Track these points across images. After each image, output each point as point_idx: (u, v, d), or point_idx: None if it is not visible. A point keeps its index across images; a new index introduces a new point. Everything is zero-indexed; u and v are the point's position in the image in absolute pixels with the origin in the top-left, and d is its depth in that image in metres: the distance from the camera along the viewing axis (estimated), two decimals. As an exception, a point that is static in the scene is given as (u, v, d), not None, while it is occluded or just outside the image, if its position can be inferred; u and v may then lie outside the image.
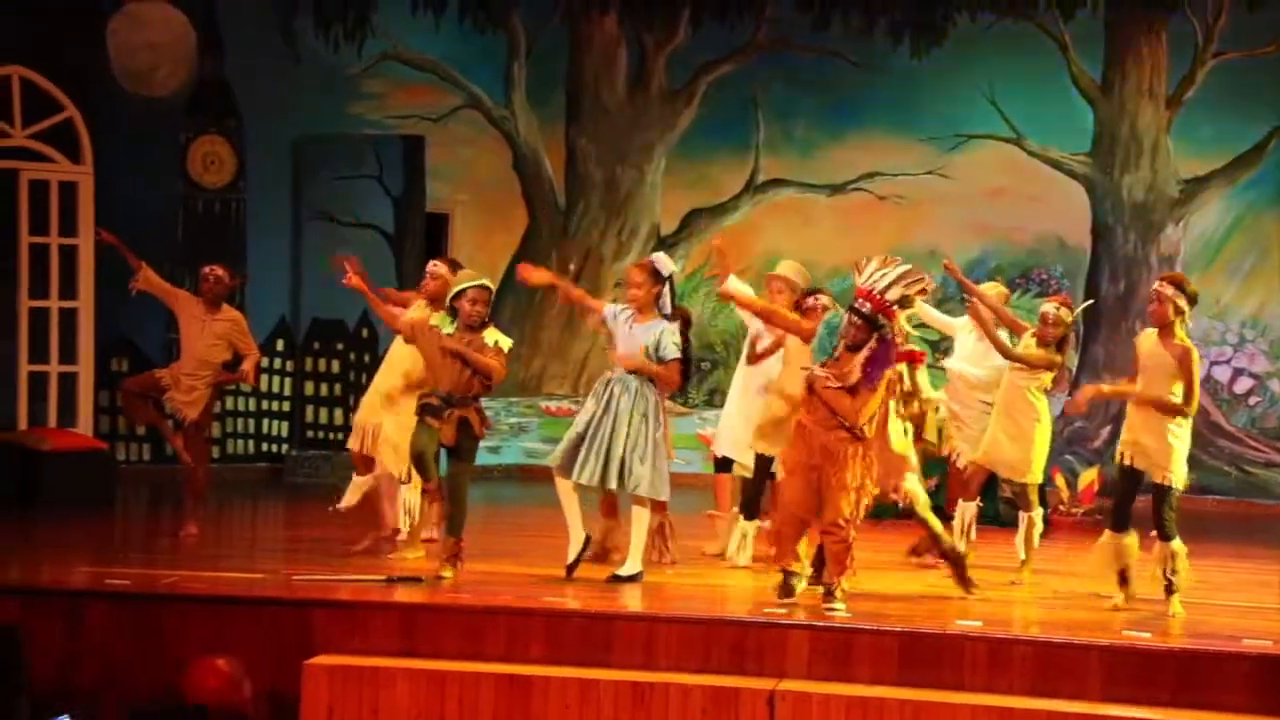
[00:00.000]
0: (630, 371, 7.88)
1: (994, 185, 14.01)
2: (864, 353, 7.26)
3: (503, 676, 6.77)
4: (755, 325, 8.98)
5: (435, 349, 7.89)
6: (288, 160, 13.93)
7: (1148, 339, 7.58)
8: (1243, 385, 13.43)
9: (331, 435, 13.76)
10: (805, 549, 7.52)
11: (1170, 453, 7.36)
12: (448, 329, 7.87)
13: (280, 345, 13.88)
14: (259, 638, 7.03)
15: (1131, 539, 7.55)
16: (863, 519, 7.47)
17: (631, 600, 7.50)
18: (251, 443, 13.85)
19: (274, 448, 13.88)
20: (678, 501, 8.61)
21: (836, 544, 7.26)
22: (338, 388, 13.80)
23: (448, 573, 7.84)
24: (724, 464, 9.14)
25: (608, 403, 7.84)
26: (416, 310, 8.55)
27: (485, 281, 8.03)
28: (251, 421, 13.86)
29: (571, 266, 14.62)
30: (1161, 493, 7.41)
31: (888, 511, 8.83)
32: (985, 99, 13.89)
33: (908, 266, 7.40)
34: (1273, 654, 6.56)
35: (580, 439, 7.87)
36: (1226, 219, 13.74)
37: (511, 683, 6.74)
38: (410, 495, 8.40)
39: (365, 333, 13.71)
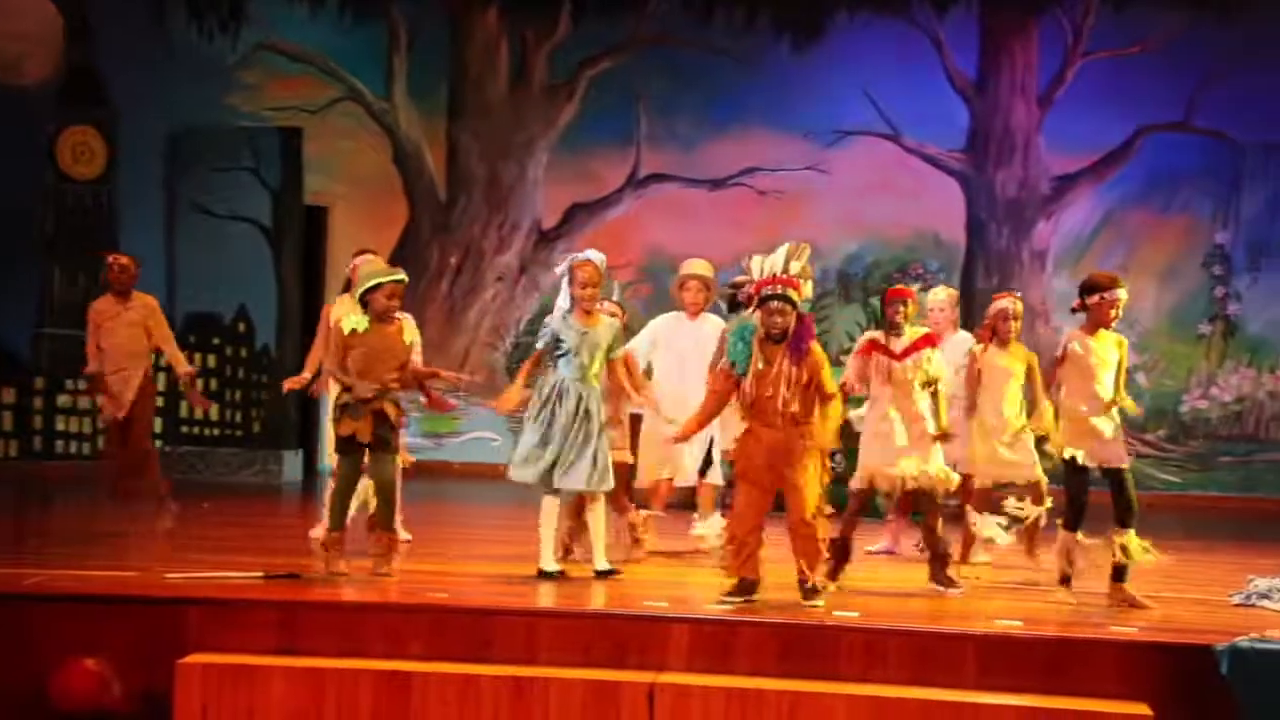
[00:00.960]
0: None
1: (872, 181, 14.19)
2: (790, 334, 7.21)
3: (382, 673, 6.70)
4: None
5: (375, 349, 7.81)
6: (162, 152, 13.72)
7: (1101, 340, 7.66)
8: (1112, 378, 13.71)
9: (207, 431, 13.57)
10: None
11: (1120, 440, 7.57)
12: (360, 324, 7.76)
13: (154, 340, 13.63)
14: (130, 637, 6.89)
15: (1082, 536, 7.67)
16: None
17: (547, 597, 7.43)
18: (125, 439, 13.59)
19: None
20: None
21: (806, 541, 7.26)
22: (214, 383, 13.60)
23: (386, 568, 7.76)
24: (703, 469, 9.08)
25: (575, 406, 7.78)
26: (341, 306, 8.43)
27: (402, 275, 7.94)
28: (124, 418, 13.60)
29: (453, 260, 14.55)
30: (1119, 478, 7.56)
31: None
32: (863, 95, 14.06)
33: (784, 246, 7.37)
34: (1139, 641, 6.71)
35: (550, 447, 7.75)
36: (1096, 215, 14.06)
37: (391, 680, 6.67)
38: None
39: (242, 327, 13.53)
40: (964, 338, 9.17)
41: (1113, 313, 7.57)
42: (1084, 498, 7.63)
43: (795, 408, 7.19)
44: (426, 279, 14.59)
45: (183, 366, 9.62)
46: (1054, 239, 14.10)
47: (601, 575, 7.81)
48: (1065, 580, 7.67)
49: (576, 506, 8.23)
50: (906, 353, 7.90)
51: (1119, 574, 7.52)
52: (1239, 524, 11.14)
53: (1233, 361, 13.86)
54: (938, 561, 7.86)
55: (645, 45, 14.47)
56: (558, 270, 8.00)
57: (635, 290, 14.39)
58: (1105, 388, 7.54)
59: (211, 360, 13.65)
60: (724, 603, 7.14)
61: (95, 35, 13.24)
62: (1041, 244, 14.11)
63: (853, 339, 13.04)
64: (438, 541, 9.28)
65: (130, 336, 9.45)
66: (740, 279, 8.11)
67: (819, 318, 14.22)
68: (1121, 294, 7.59)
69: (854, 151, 14.22)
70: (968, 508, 8.70)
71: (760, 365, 7.21)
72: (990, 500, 8.66)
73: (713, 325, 9.15)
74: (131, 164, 13.50)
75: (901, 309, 7.98)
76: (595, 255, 7.92)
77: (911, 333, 7.95)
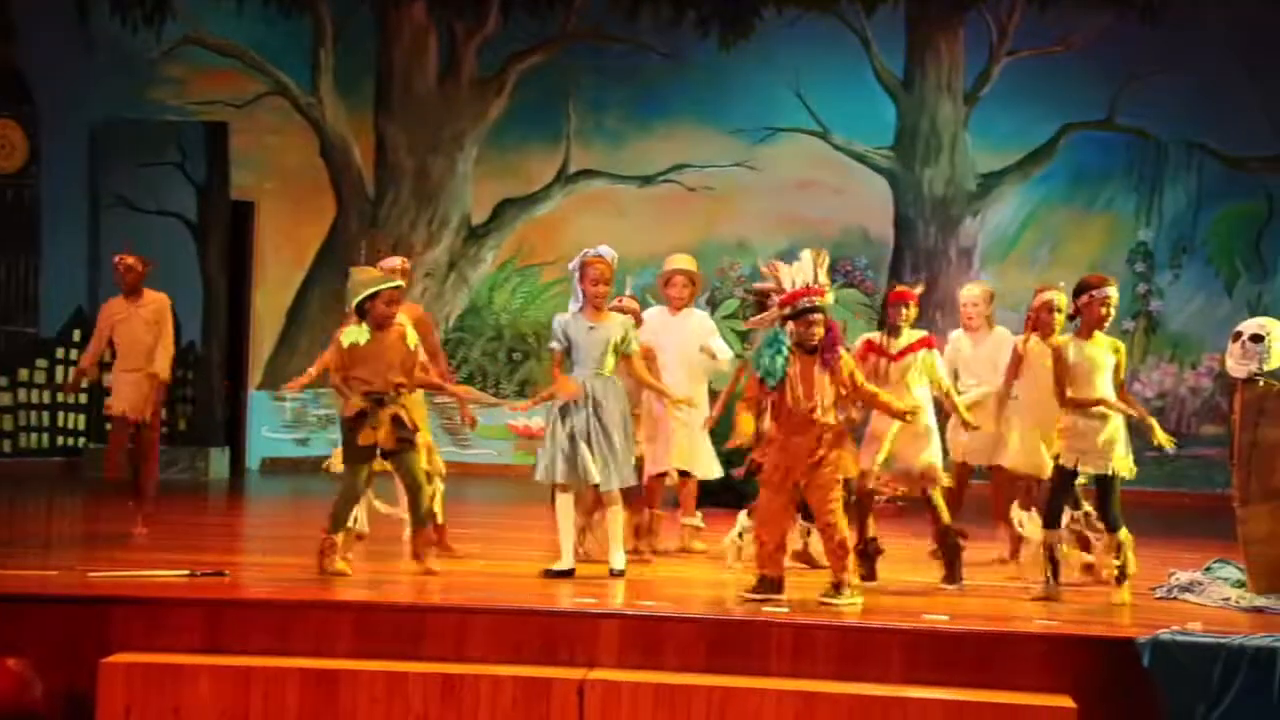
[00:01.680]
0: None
1: (801, 178, 14.26)
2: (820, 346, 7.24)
3: (309, 671, 6.66)
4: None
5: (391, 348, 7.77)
6: (84, 146, 13.56)
7: (1095, 343, 7.69)
8: (1037, 374, 13.85)
9: (132, 428, 13.41)
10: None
11: (1114, 446, 7.58)
12: (360, 336, 7.71)
13: (77, 336, 13.48)
14: (52, 637, 6.81)
15: (1063, 535, 7.72)
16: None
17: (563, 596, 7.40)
18: (47, 436, 13.45)
19: (70, 441, 13.49)
20: (484, 492, 8.59)
21: (834, 542, 7.28)
22: (138, 379, 13.44)
23: (435, 565, 7.76)
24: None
25: (591, 403, 7.76)
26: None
27: (399, 281, 7.95)
28: (47, 415, 13.46)
29: (381, 256, 14.46)
30: (1106, 484, 7.61)
31: None
32: (792, 92, 14.12)
33: (807, 253, 7.40)
34: (1063, 634, 6.79)
35: (570, 445, 7.75)
36: (1021, 213, 14.22)
37: (319, 678, 6.63)
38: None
39: (167, 324, 13.38)
40: (1001, 333, 9.06)
41: (1104, 310, 7.57)
42: (1063, 499, 7.66)
43: (831, 417, 7.23)
44: (354, 275, 14.47)
45: (163, 374, 9.53)
46: (980, 236, 14.23)
47: (616, 575, 7.81)
48: (1050, 579, 7.71)
49: (591, 504, 8.25)
50: (902, 354, 7.93)
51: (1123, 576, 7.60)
52: (1162, 519, 11.25)
53: (1155, 357, 14.05)
54: (949, 556, 7.91)
55: (575, 41, 14.46)
56: (570, 267, 7.95)
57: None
58: (1100, 391, 7.55)
59: (136, 356, 13.49)
60: (748, 600, 7.19)
61: (16, 27, 13.05)
62: (968, 241, 14.24)
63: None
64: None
65: (146, 334, 9.42)
66: (766, 286, 8.03)
67: (749, 314, 14.27)
68: (1111, 291, 7.60)
69: (783, 148, 14.29)
70: (1014, 506, 8.66)
71: (792, 375, 7.22)
72: (1018, 491, 8.64)
73: (698, 320, 9.19)
74: (54, 158, 13.33)
75: (904, 311, 8.00)
76: (606, 251, 7.88)
77: (909, 335, 7.98)
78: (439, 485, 8.50)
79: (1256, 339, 7.79)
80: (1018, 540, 8.61)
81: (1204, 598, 7.74)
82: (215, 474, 13.33)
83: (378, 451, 7.72)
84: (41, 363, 13.55)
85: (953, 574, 7.94)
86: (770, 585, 7.27)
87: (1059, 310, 8.31)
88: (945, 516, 7.94)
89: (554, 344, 7.94)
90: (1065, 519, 7.86)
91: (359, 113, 14.54)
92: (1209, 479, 12.82)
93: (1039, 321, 8.45)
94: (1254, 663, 6.47)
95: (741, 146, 14.29)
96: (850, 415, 7.62)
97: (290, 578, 7.62)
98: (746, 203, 14.29)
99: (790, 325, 7.22)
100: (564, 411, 7.79)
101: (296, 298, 14.36)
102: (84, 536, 9.68)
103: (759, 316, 7.90)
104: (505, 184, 14.58)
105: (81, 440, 13.48)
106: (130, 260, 9.53)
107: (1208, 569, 8.31)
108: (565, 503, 7.89)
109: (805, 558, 8.34)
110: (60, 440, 13.50)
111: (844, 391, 7.30)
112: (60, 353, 13.50)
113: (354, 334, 7.72)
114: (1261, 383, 7.79)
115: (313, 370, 8.48)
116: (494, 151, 14.59)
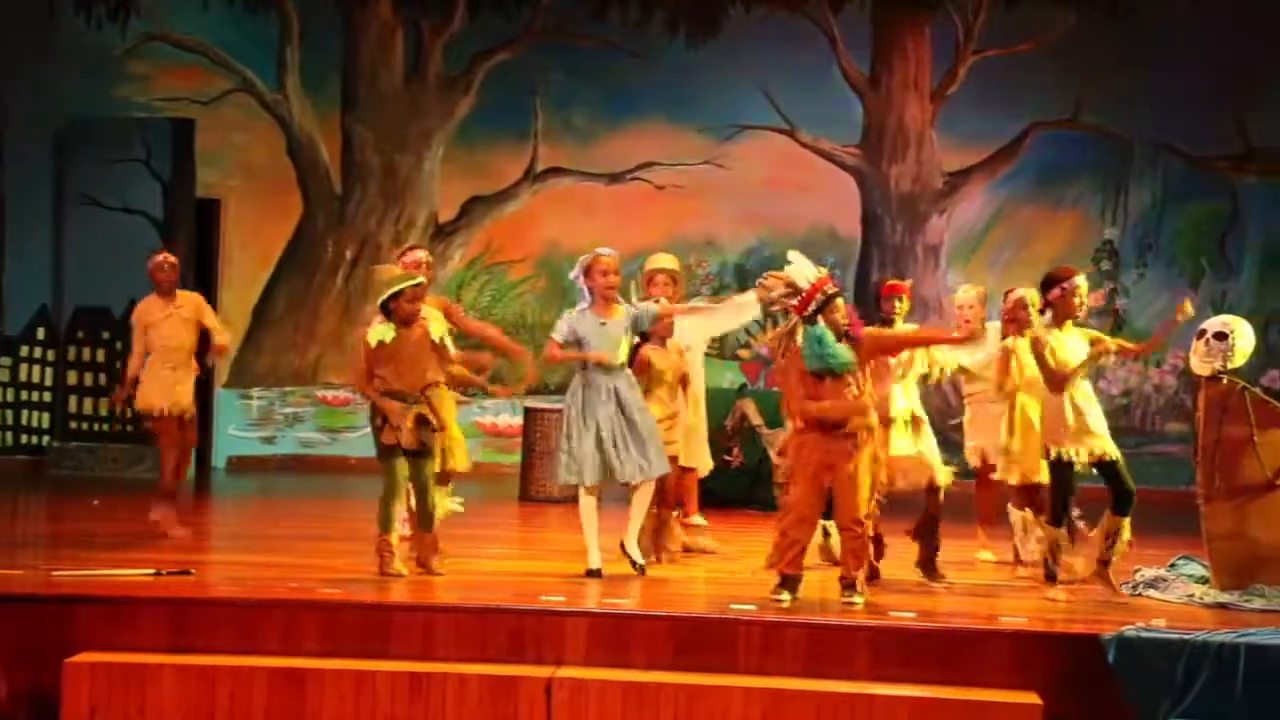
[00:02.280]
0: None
1: (768, 175, 14.26)
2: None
3: (276, 670, 6.65)
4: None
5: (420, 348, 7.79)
6: (49, 143, 13.47)
7: (1069, 333, 7.73)
8: (1004, 372, 13.90)
9: (96, 426, 13.36)
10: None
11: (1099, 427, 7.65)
12: (386, 334, 7.71)
13: (41, 334, 13.41)
14: (16, 636, 6.78)
15: (1063, 532, 7.76)
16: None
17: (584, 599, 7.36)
18: (10, 434, 13.37)
19: (35, 439, 13.41)
20: (453, 490, 8.59)
21: (855, 540, 7.31)
22: (102, 377, 13.38)
23: (440, 566, 7.79)
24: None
25: (609, 398, 7.82)
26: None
27: (422, 278, 7.96)
28: (10, 413, 13.37)
29: (348, 254, 14.43)
30: (1109, 468, 7.65)
31: None
32: (759, 90, 14.13)
33: (795, 253, 7.50)
34: (1028, 631, 6.82)
35: (597, 444, 7.80)
36: (988, 211, 14.26)
37: (285, 677, 6.62)
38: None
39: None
40: (996, 329, 9.03)
41: (1076, 301, 7.67)
42: (1065, 493, 7.71)
43: (868, 398, 7.30)
44: (322, 272, 14.45)
45: (221, 336, 9.56)
46: (947, 234, 14.27)
47: (627, 558, 7.89)
48: (1051, 577, 7.73)
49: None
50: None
51: (1106, 561, 7.66)
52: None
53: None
54: (929, 553, 7.93)
55: (542, 38, 14.43)
56: (572, 275, 8.04)
57: (532, 285, 14.37)
58: (1079, 380, 7.63)
59: (101, 355, 13.43)
60: (776, 599, 7.21)
61: (-21, 23, 12.98)
62: (935, 238, 14.28)
63: (750, 333, 13.18)
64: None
65: (184, 333, 9.39)
66: (783, 294, 8.06)
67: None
68: (1080, 281, 7.70)
69: (750, 146, 14.29)
70: (1009, 506, 8.75)
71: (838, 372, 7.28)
72: (1012, 492, 8.69)
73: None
74: (18, 155, 13.25)
75: (897, 304, 8.03)
76: (606, 250, 8.00)
77: (904, 328, 8.01)
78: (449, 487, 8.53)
79: (1220, 337, 7.86)
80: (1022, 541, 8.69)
81: (1168, 594, 7.79)
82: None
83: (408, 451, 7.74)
84: (5, 360, 13.47)
85: (932, 570, 7.98)
86: (791, 584, 7.32)
87: (1034, 306, 8.29)
88: (937, 510, 8.01)
89: (556, 335, 7.96)
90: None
91: (326, 110, 14.48)
92: (1172, 476, 12.86)
93: (1017, 319, 8.48)
94: (1218, 659, 6.52)
95: (709, 144, 14.29)
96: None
97: (256, 577, 7.60)
98: (714, 200, 14.30)
99: (820, 319, 7.30)
100: (586, 412, 7.82)
101: (263, 296, 14.30)
102: (48, 535, 9.63)
103: (774, 331, 7.94)
104: (473, 182, 14.54)
105: (45, 439, 13.40)
106: (173, 259, 9.54)
107: (1172, 565, 8.37)
108: (589, 504, 7.92)
109: (829, 554, 8.36)
110: (24, 439, 13.42)
111: (874, 364, 7.39)
112: (24, 351, 13.42)
113: (380, 332, 7.75)
114: (1225, 380, 7.86)
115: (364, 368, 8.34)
116: (461, 149, 14.55)
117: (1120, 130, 13.95)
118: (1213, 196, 14.03)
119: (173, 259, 9.56)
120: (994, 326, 9.11)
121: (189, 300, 9.54)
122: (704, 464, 9.07)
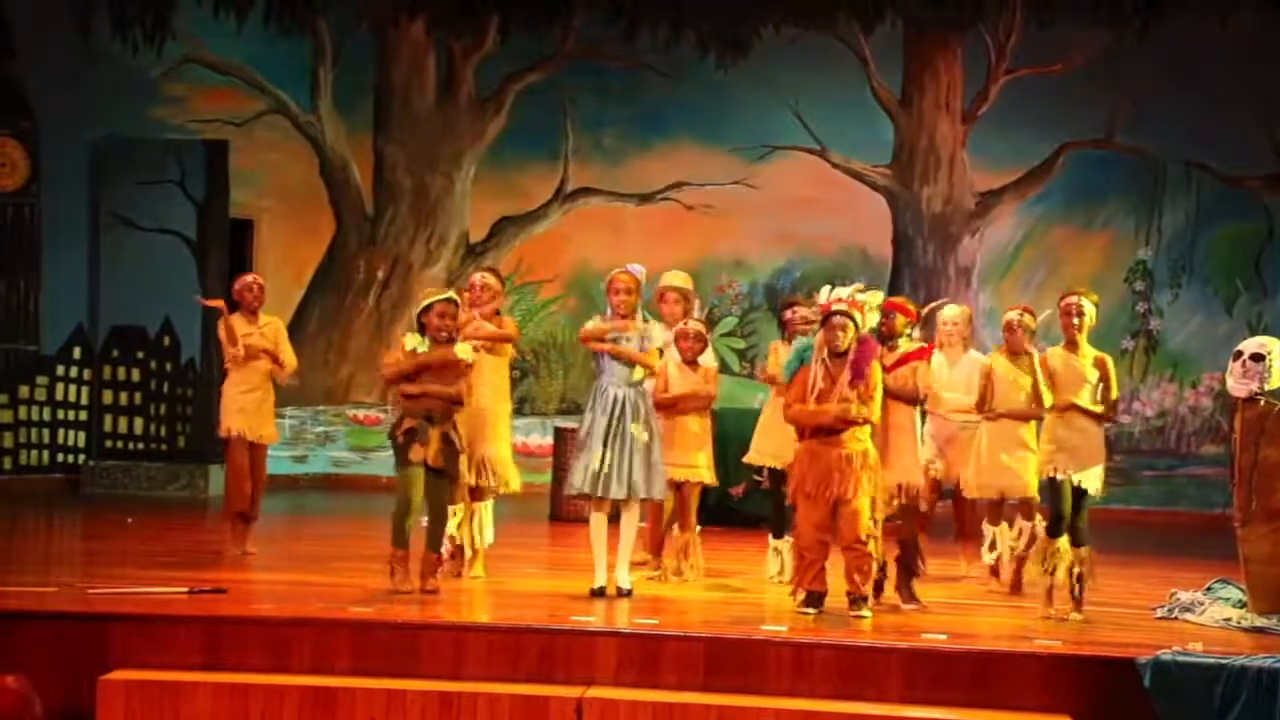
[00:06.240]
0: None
1: (799, 196, 14.26)
2: (851, 354, 7.41)
3: (308, 688, 6.66)
4: None
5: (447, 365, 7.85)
6: (85, 164, 13.57)
7: (1056, 355, 7.84)
8: (1036, 393, 13.83)
9: (131, 445, 13.42)
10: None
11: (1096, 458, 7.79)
12: (421, 344, 7.79)
13: (77, 353, 13.49)
14: (51, 654, 6.81)
15: (1064, 544, 7.75)
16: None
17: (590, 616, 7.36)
18: (46, 453, 13.44)
19: (70, 458, 13.48)
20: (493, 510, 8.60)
21: (860, 558, 7.38)
22: (138, 396, 13.46)
23: (433, 584, 7.81)
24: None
25: (615, 410, 7.84)
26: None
27: (452, 295, 8.03)
28: (46, 431, 13.45)
29: (380, 274, 14.49)
30: (1079, 496, 7.67)
31: None
32: (790, 111, 14.14)
33: (856, 284, 7.69)
34: (1062, 654, 6.79)
35: (596, 455, 7.80)
36: (1019, 232, 14.21)
37: (316, 695, 6.63)
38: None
39: (167, 340, 13.39)
40: (975, 357, 9.14)
41: (1068, 319, 7.80)
42: (1062, 509, 7.75)
43: (854, 411, 7.35)
44: (353, 292, 14.52)
45: (288, 367, 9.60)
46: (979, 254, 14.24)
47: (624, 594, 7.83)
48: (1049, 593, 7.75)
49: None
50: (896, 365, 7.96)
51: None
52: (1161, 538, 11.26)
53: (1155, 376, 14.03)
54: (905, 574, 7.92)
55: (572, 59, 14.48)
56: (603, 287, 8.11)
57: (562, 304, 14.40)
58: (1081, 402, 7.74)
59: (136, 374, 13.49)
60: (801, 615, 7.31)
61: (17, 46, 13.06)
62: (967, 259, 14.24)
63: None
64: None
65: (263, 358, 9.45)
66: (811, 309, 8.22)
67: (747, 332, 14.29)
68: (1072, 300, 7.87)
69: (781, 167, 14.29)
70: (984, 523, 8.76)
71: (823, 383, 7.39)
72: (997, 513, 8.71)
73: None
74: (55, 176, 13.34)
75: (893, 320, 8.05)
76: (635, 268, 8.04)
77: (905, 345, 8.01)
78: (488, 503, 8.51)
79: (1257, 358, 7.81)
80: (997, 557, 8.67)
81: (1205, 618, 7.73)
82: (215, 490, 13.27)
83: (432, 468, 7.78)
84: (42, 380, 13.54)
85: (909, 592, 7.93)
86: (814, 600, 7.36)
87: (1023, 328, 8.40)
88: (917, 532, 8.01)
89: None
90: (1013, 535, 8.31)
91: (358, 131, 14.56)
92: (1207, 499, 12.80)
93: (1006, 340, 8.54)
94: (1255, 684, 6.46)
95: (740, 165, 14.30)
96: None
97: (289, 595, 7.62)
98: (745, 221, 14.30)
99: (820, 333, 7.50)
100: (606, 423, 7.82)
101: (295, 315, 14.35)
102: (83, 553, 9.68)
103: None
104: (503, 202, 14.60)
105: (81, 457, 13.47)
106: (261, 281, 9.62)
107: (1209, 589, 8.30)
108: (600, 521, 7.92)
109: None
110: (60, 457, 13.48)
111: (863, 392, 7.42)
112: (60, 370, 13.49)
113: (414, 340, 7.87)
114: (1262, 402, 7.80)
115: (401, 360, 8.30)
116: (492, 170, 14.60)
117: (1153, 150, 13.90)
118: (1247, 216, 13.96)
119: (260, 280, 9.63)
120: (974, 353, 9.19)
121: (271, 323, 9.61)
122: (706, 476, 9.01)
